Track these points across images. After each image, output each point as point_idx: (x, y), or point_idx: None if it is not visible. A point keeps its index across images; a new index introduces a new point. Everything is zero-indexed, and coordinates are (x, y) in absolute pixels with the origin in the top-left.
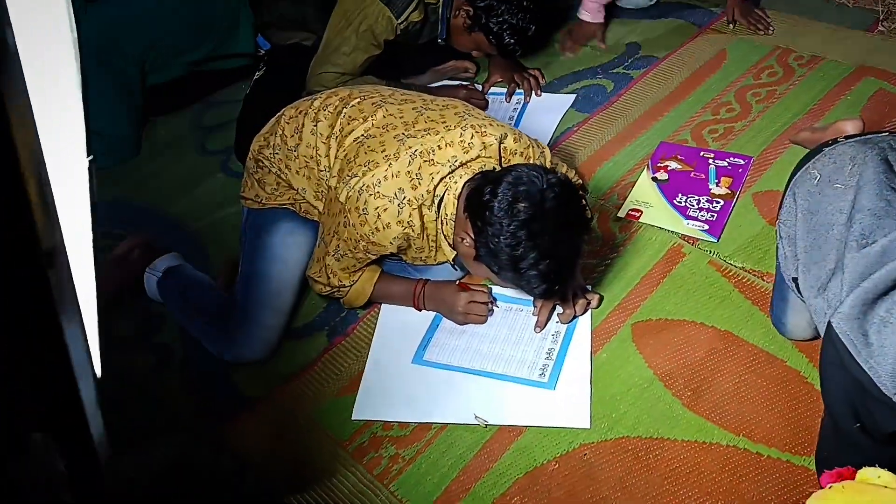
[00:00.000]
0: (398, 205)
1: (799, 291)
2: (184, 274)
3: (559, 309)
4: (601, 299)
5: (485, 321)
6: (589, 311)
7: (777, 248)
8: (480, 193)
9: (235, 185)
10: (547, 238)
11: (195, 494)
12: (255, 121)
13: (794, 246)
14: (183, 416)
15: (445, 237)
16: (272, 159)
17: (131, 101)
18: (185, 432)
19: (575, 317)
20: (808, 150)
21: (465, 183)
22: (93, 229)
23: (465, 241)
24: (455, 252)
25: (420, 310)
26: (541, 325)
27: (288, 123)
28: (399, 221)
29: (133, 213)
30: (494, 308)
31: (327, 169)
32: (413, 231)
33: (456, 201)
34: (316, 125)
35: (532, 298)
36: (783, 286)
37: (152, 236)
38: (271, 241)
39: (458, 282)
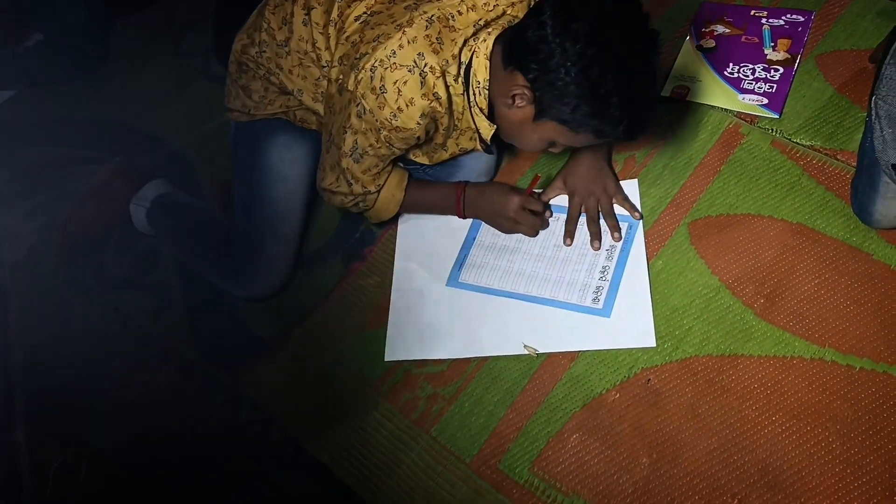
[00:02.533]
0: (420, 74)
1: None
2: (175, 202)
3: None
4: (641, 217)
5: (535, 234)
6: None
7: (868, 127)
8: (523, 31)
9: (219, 91)
10: (622, 47)
11: (213, 451)
12: (235, 14)
13: None
14: (192, 365)
15: (482, 110)
16: (258, 60)
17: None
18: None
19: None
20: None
21: (496, 40)
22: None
23: (516, 101)
24: (494, 127)
25: (462, 217)
26: (570, 235)
27: (273, 14)
28: (423, 94)
29: (107, 134)
30: (550, 218)
31: (329, 64)
32: (440, 105)
33: (488, 62)
34: (308, 14)
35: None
36: (874, 171)
37: (133, 160)
38: (267, 158)
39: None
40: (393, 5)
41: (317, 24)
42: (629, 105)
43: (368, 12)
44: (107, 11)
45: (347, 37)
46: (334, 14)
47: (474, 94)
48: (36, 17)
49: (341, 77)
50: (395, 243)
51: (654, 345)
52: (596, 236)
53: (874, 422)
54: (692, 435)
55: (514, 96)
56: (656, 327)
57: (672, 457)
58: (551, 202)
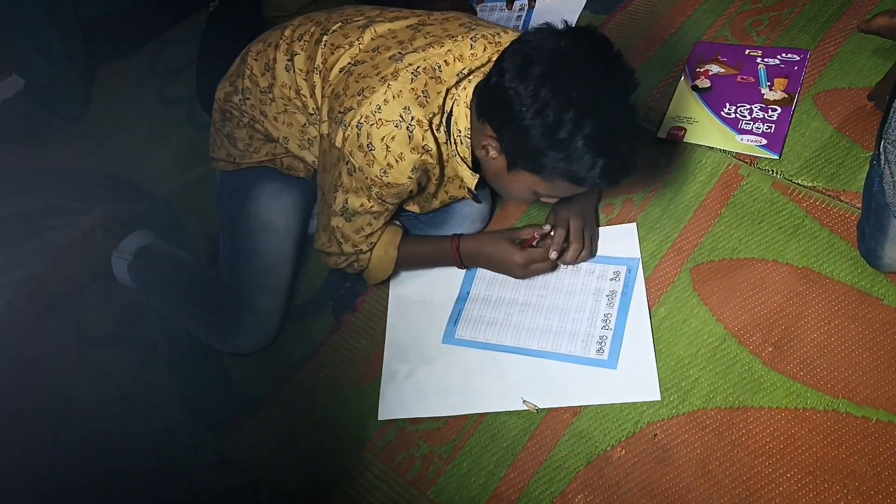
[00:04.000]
0: (407, 128)
1: None
2: (158, 254)
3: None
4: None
5: (551, 267)
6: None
7: (874, 171)
8: (487, 82)
9: (204, 138)
10: (581, 89)
11: None
12: (217, 61)
13: None
14: (177, 425)
15: (463, 160)
16: (242, 108)
17: (68, 42)
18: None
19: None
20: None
21: (475, 88)
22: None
23: (490, 152)
24: (477, 176)
25: (461, 268)
26: (557, 247)
27: (256, 60)
28: (413, 149)
29: (88, 182)
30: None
31: (316, 111)
32: (431, 157)
33: (468, 111)
34: (291, 59)
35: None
36: (883, 216)
37: (115, 210)
38: (253, 208)
39: (512, 236)
40: (377, 55)
41: (300, 70)
42: (599, 147)
43: (352, 62)
44: (88, 58)
45: (333, 89)
46: (318, 61)
47: (456, 143)
48: (15, 65)
49: (331, 132)
50: (387, 294)
51: (659, 398)
52: (578, 252)
53: (894, 478)
54: (703, 494)
55: (486, 148)
56: (661, 379)
57: None
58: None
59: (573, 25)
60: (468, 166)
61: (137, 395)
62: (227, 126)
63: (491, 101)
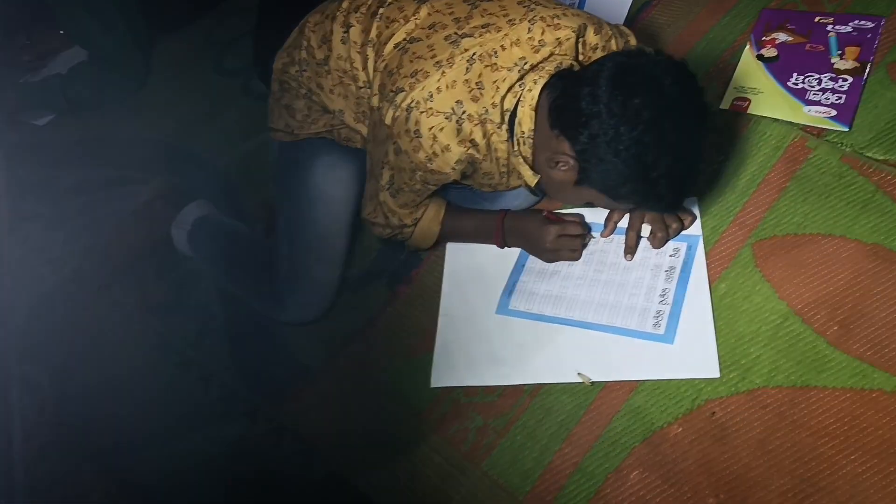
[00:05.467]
0: (457, 121)
1: None
2: (216, 224)
3: (644, 231)
4: (693, 219)
5: (579, 257)
6: (700, 234)
7: None
8: (575, 100)
9: (261, 109)
10: (679, 135)
11: (255, 482)
12: (275, 33)
13: None
14: (234, 392)
15: (525, 160)
16: (300, 79)
17: (128, 14)
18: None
19: (667, 240)
20: None
21: (543, 89)
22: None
23: (559, 164)
24: (538, 177)
25: (502, 247)
26: (631, 251)
27: (314, 32)
28: (460, 141)
29: (149, 153)
30: (590, 240)
31: (367, 85)
32: (478, 152)
33: (534, 114)
34: (347, 31)
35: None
36: None
37: (174, 180)
38: (310, 178)
39: (544, 212)
40: (433, 33)
41: (354, 42)
42: (677, 186)
43: (408, 38)
44: (148, 30)
45: (385, 64)
46: (373, 34)
47: (518, 143)
48: (77, 37)
49: (382, 106)
50: (441, 266)
51: (718, 375)
52: (663, 242)
53: None
54: (763, 473)
55: (557, 161)
56: (720, 356)
57: (742, 497)
58: (589, 220)
59: (667, 56)
60: (529, 166)
61: (195, 362)
62: (285, 97)
63: (579, 123)
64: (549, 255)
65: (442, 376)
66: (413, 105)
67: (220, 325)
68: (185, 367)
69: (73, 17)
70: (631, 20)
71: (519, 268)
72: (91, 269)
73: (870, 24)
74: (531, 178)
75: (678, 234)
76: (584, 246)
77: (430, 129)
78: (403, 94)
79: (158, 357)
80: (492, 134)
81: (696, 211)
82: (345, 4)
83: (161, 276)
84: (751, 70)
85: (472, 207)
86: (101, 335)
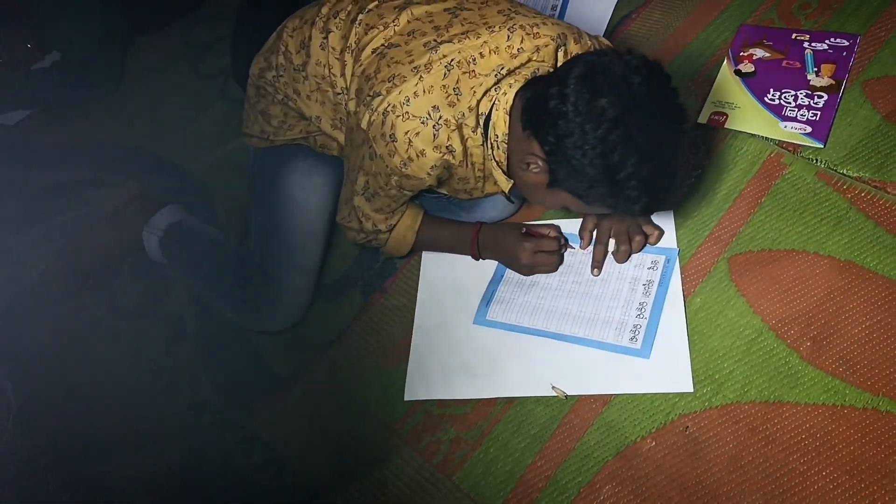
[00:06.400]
0: (433, 126)
1: None
2: (189, 230)
3: (611, 246)
4: (661, 234)
5: (556, 269)
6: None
7: None
8: (544, 100)
9: (239, 113)
10: (646, 135)
11: (223, 491)
12: (253, 37)
13: None
14: (204, 400)
15: (499, 164)
16: (276, 84)
17: (106, 16)
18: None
19: (630, 255)
20: None
21: (517, 93)
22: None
23: (531, 167)
24: (511, 182)
25: (478, 259)
26: (598, 265)
27: (292, 37)
28: (436, 147)
29: (122, 157)
30: (569, 251)
31: (344, 91)
32: (453, 157)
33: (507, 118)
34: (326, 37)
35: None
36: None
37: (147, 184)
38: (286, 185)
39: (523, 228)
40: (412, 40)
41: (333, 48)
42: (648, 187)
43: (386, 44)
44: (126, 31)
45: (363, 70)
46: (351, 40)
47: (492, 147)
48: (52, 36)
49: (358, 111)
50: (417, 275)
51: (692, 390)
52: (626, 256)
53: None
54: (734, 489)
55: (528, 163)
56: (694, 370)
57: None
58: (565, 231)
59: (639, 56)
60: (503, 171)
61: (165, 369)
62: (261, 102)
63: (548, 125)
64: (526, 271)
65: (415, 389)
66: (389, 109)
67: (192, 332)
68: (156, 374)
69: (51, 17)
70: (611, 33)
71: (497, 278)
72: (61, 274)
73: (845, 42)
74: (505, 184)
75: (641, 247)
76: (563, 257)
77: (406, 133)
78: (380, 98)
79: (129, 364)
80: (467, 138)
81: (672, 224)
82: (324, 10)
83: (132, 281)
84: (728, 85)
85: (448, 218)
86: (69, 341)
